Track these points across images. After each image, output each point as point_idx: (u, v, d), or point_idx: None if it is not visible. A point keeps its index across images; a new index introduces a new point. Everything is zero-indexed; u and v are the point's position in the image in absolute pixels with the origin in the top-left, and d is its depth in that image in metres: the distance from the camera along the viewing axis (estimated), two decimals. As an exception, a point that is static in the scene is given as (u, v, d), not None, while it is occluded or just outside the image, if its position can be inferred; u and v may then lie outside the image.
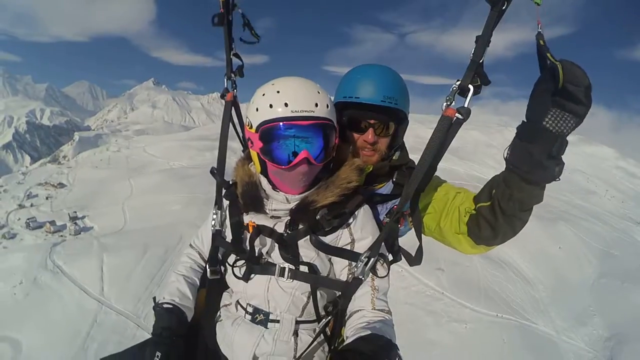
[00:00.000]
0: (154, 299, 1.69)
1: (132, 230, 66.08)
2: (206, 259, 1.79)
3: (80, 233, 71.65)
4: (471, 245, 1.50)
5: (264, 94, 1.36)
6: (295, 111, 1.30)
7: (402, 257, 1.56)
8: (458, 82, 1.17)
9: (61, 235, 72.27)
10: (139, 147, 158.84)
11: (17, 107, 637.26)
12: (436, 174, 1.48)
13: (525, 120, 1.17)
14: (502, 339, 40.46)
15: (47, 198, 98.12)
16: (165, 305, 1.61)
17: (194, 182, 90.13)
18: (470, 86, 1.16)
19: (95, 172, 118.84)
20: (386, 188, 1.72)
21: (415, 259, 1.44)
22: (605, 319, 46.44)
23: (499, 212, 1.32)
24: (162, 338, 1.52)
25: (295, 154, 1.35)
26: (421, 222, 1.52)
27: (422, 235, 1.55)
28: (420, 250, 1.44)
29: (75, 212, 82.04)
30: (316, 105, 1.33)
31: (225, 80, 1.81)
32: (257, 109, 1.37)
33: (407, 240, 1.58)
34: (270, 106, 1.32)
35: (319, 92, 1.37)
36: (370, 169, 1.70)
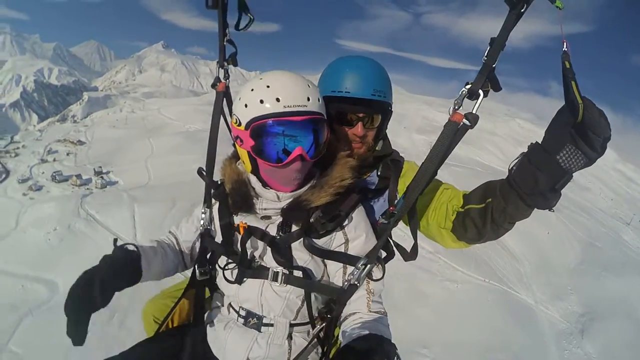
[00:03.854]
0: (115, 240, 1.47)
1: (157, 185, 66.74)
2: (181, 248, 1.71)
3: (107, 187, 72.45)
4: (453, 240, 1.50)
5: (252, 89, 1.29)
6: (288, 106, 1.23)
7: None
8: (468, 86, 1.12)
9: (87, 188, 72.97)
10: (153, 109, 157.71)
11: (25, 65, 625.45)
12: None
13: (540, 145, 1.13)
14: (488, 300, 44.30)
15: (67, 154, 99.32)
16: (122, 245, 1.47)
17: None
18: (480, 91, 1.11)
19: (113, 131, 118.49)
20: (371, 179, 1.71)
21: (410, 255, 1.42)
22: (581, 299, 49.28)
23: (489, 220, 1.31)
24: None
25: (288, 151, 1.28)
26: (417, 223, 1.50)
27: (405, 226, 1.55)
28: (415, 247, 1.41)
29: (100, 166, 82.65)
30: (308, 99, 1.27)
31: (218, 68, 1.70)
32: (245, 105, 1.29)
33: (399, 232, 1.51)
34: (261, 102, 1.25)
35: (309, 86, 1.31)
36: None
